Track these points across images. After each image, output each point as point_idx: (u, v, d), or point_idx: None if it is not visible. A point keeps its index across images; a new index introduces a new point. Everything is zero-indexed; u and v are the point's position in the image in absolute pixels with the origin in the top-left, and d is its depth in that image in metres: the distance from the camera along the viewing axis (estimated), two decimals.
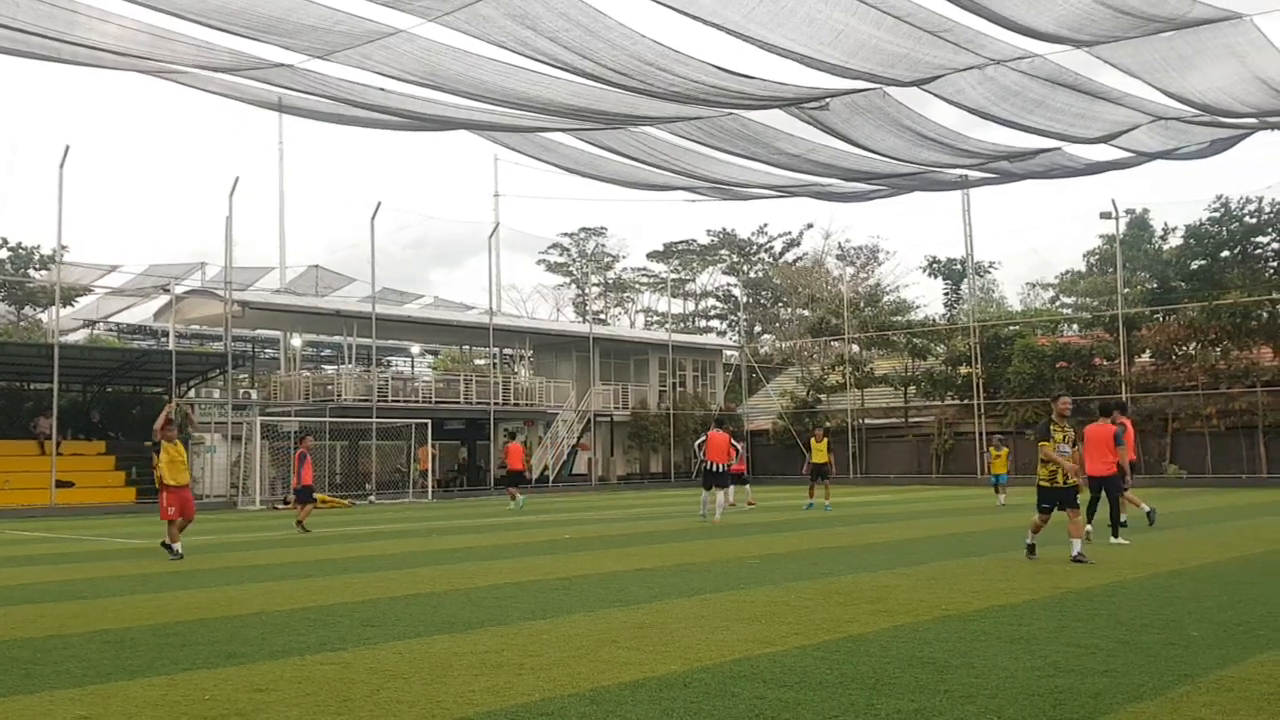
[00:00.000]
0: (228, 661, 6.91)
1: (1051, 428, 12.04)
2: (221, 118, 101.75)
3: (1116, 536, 14.19)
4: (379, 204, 37.59)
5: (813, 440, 24.65)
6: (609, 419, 47.23)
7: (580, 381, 47.01)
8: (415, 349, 53.77)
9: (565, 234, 75.23)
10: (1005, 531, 16.58)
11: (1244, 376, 36.86)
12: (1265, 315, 37.66)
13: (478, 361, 54.94)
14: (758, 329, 70.96)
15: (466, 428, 42.50)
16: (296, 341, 46.10)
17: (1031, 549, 12.33)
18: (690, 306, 77.83)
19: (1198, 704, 5.34)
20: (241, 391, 40.44)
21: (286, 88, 13.49)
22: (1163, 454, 37.84)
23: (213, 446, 35.81)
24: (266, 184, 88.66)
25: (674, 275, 72.62)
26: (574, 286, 75.67)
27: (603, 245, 76.65)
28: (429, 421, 36.51)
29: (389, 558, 14.21)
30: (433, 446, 36.92)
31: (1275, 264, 37.92)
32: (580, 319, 67.43)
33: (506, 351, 52.30)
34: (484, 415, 41.25)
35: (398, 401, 39.70)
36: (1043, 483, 12.08)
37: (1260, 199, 37.99)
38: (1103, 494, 14.98)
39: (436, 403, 40.86)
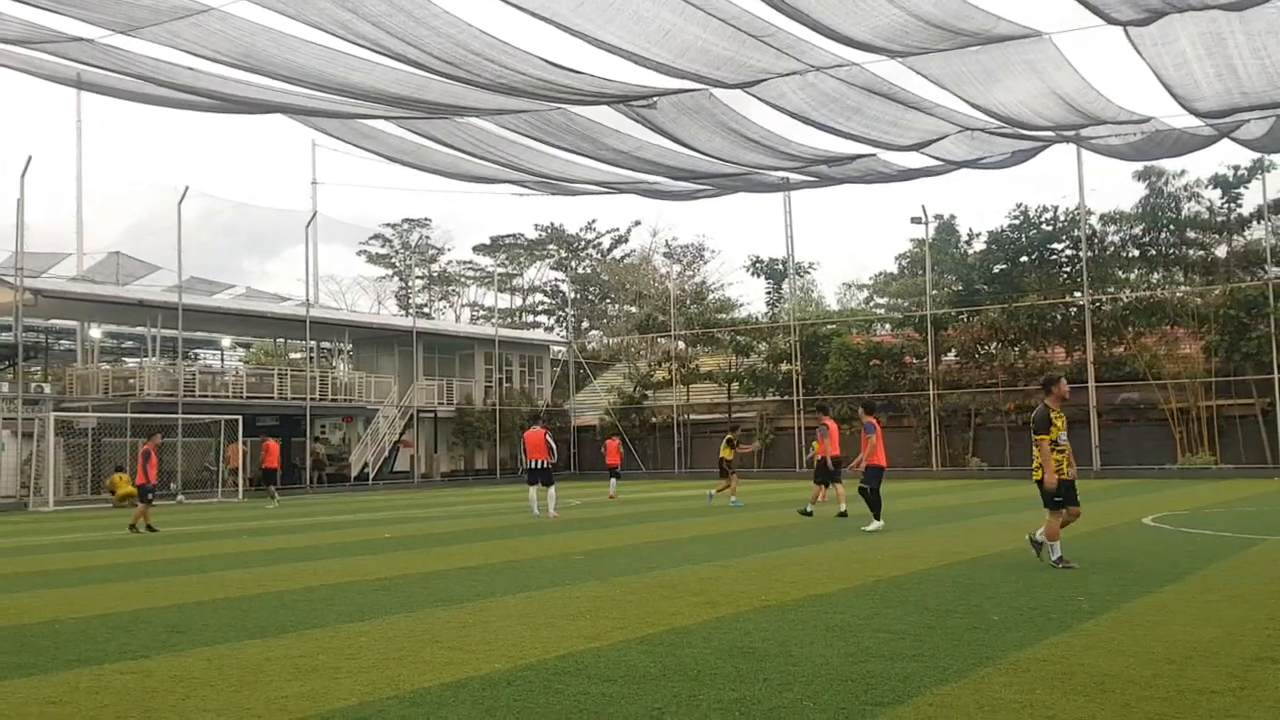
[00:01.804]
0: (17, 673, 6.46)
1: (1051, 415, 10.33)
2: (14, 93, 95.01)
3: (855, 519, 16.51)
4: (187, 188, 35.96)
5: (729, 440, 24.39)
6: (433, 415, 46.45)
7: (403, 376, 46.08)
8: (226, 342, 51.61)
9: (388, 225, 73.66)
10: (823, 523, 17.14)
11: (1039, 374, 39.13)
12: (1059, 317, 40.22)
13: (293, 355, 53.13)
14: (585, 325, 71.14)
15: (281, 424, 41.05)
16: (95, 333, 43.55)
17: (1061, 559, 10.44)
18: (517, 301, 77.40)
19: (998, 684, 5.63)
20: (34, 385, 37.93)
21: (86, 64, 12.71)
22: (966, 447, 40.00)
23: (1, 444, 33.43)
24: (64, 164, 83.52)
25: (501, 269, 72.07)
26: (397, 279, 74.12)
27: (427, 237, 75.42)
28: (240, 418, 35.13)
29: (196, 560, 13.57)
30: (244, 444, 35.52)
31: (1069, 269, 40.42)
32: (403, 312, 66.12)
33: (324, 345, 50.75)
34: (300, 411, 39.93)
35: (206, 396, 37.99)
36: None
37: (1056, 208, 40.52)
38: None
39: (248, 398, 39.29)
